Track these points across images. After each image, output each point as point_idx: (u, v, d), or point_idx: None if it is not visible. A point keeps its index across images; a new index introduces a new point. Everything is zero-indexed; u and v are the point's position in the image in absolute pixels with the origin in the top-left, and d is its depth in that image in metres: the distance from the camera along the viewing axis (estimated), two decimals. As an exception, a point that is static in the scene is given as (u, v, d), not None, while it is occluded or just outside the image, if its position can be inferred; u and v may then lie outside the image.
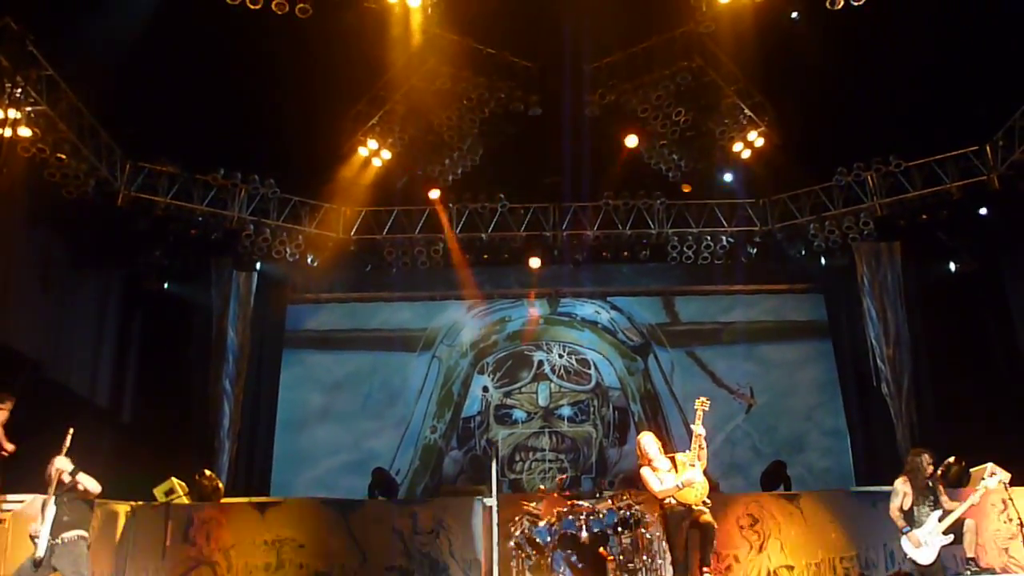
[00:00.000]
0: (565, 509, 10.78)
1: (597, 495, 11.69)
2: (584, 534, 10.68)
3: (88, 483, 7.34)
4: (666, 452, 8.76)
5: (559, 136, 14.09)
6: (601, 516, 10.95)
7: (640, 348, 15.48)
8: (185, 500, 10.82)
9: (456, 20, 12.17)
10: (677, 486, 8.43)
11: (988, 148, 12.77)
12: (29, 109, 10.26)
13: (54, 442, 8.05)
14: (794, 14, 11.23)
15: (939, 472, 10.01)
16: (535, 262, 14.67)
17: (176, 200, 13.18)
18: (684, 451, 8.55)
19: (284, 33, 11.13)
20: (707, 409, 8.55)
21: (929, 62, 11.31)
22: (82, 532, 7.30)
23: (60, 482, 7.19)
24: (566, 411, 15.05)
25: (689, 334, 15.47)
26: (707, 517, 8.52)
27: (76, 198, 11.62)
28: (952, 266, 14.07)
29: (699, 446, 8.52)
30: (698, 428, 8.57)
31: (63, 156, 11.12)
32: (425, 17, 11.52)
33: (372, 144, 13.72)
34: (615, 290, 15.67)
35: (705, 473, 8.51)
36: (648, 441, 8.81)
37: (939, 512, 8.18)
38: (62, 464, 7.25)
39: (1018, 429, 11.82)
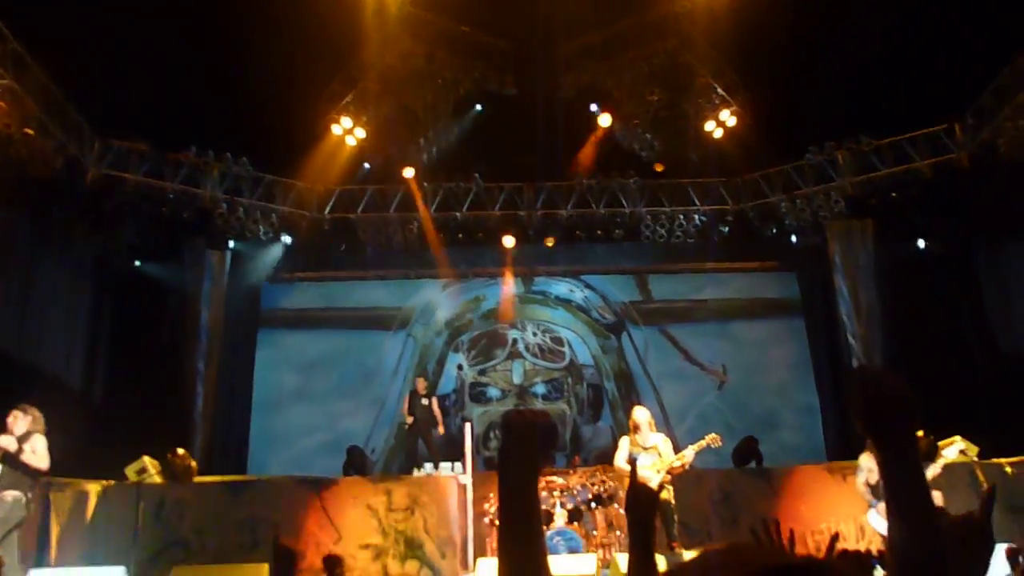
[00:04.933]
0: (541, 486, 10.75)
1: (571, 471, 11.70)
2: (558, 510, 10.67)
3: (34, 459, 7.59)
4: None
5: (534, 116, 14.05)
6: (575, 492, 10.95)
7: (614, 326, 15.47)
8: (157, 479, 10.66)
9: (431, -1, 12.07)
10: (624, 469, 8.54)
11: (958, 127, 12.83)
12: (-4, 84, 10.03)
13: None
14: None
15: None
16: (509, 241, 14.59)
17: (147, 178, 12.97)
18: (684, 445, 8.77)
19: (258, 9, 10.98)
20: (717, 447, 8.68)
21: (899, 41, 11.33)
22: (17, 493, 7.56)
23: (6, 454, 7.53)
24: (540, 389, 15.04)
25: (662, 312, 15.48)
26: (664, 495, 8.55)
27: (44, 176, 11.40)
28: (922, 244, 14.15)
29: (679, 463, 8.60)
30: (689, 455, 8.62)
31: (30, 132, 10.88)
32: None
33: (346, 122, 13.67)
34: (589, 269, 15.67)
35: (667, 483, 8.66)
36: (639, 413, 8.92)
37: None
38: (5, 442, 7.52)
39: (986, 404, 11.90)
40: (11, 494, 7.49)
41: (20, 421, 7.71)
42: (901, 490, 1.53)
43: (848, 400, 1.60)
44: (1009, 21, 10.97)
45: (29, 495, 7.66)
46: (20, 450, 7.52)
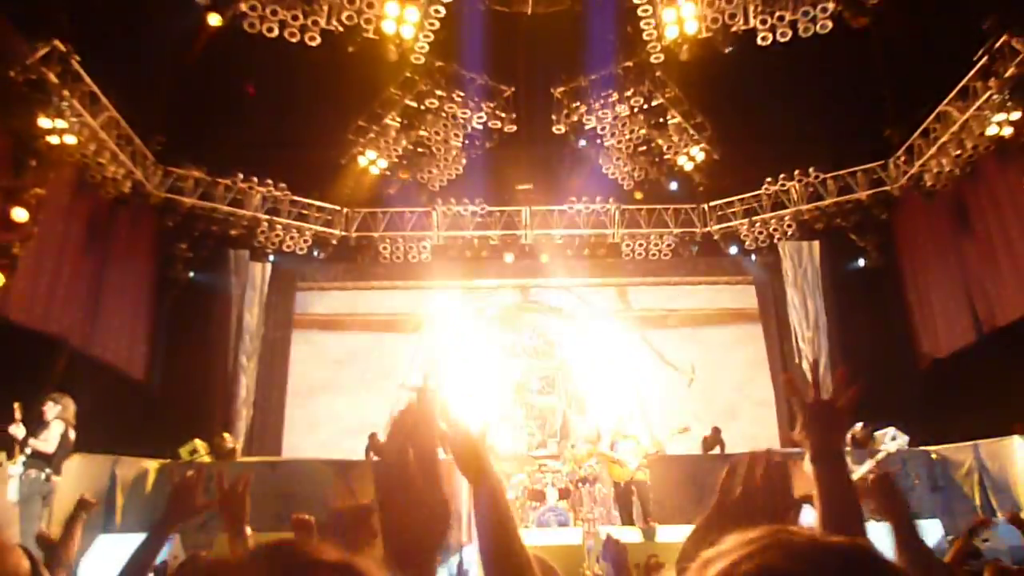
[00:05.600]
0: (535, 468, 10.86)
1: (561, 457, 11.81)
2: (550, 490, 10.79)
3: (41, 444, 7.58)
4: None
5: (531, 149, 14.17)
6: (564, 474, 11.05)
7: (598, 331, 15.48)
8: (207, 459, 10.78)
9: (444, 49, 12.22)
10: (608, 454, 8.66)
11: (892, 163, 12.93)
12: (74, 120, 10.15)
13: (92, 406, 8.09)
14: (728, 48, 11.28)
15: (848, 436, 10.17)
16: (509, 257, 14.72)
17: (201, 200, 13.12)
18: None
19: (296, 56, 11.11)
20: (686, 434, 8.78)
21: (842, 91, 11.46)
22: (35, 472, 7.57)
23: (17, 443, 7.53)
24: (535, 385, 15.03)
25: (640, 320, 15.50)
26: (640, 476, 8.66)
27: (114, 199, 11.53)
28: (861, 262, 14.25)
29: (655, 450, 8.75)
30: (664, 442, 8.77)
31: (103, 161, 11.01)
32: (417, 46, 11.50)
33: (371, 154, 13.70)
34: (577, 282, 15.69)
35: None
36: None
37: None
38: (14, 431, 7.49)
39: (915, 399, 12.00)
40: (32, 473, 7.51)
41: (51, 409, 7.72)
42: (828, 474, 1.67)
43: (803, 425, 1.71)
44: (933, 76, 11.17)
45: (47, 472, 7.62)
46: (28, 437, 7.52)
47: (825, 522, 1.63)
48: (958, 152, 11.41)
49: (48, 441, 7.62)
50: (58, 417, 7.73)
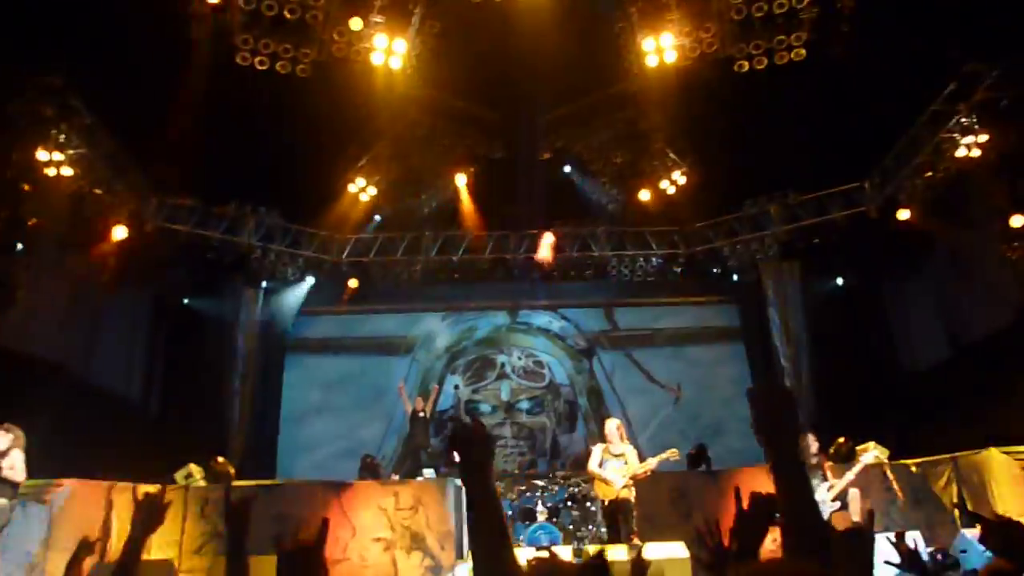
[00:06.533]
0: (525, 487, 10.90)
1: (550, 475, 11.84)
2: (540, 508, 10.81)
3: (11, 474, 7.31)
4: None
5: (518, 174, 14.27)
6: (554, 492, 11.07)
7: (586, 351, 15.55)
8: (202, 483, 10.73)
9: (432, 78, 12.31)
10: (595, 472, 8.70)
11: (867, 185, 13.08)
12: (71, 152, 10.21)
13: (90, 432, 8.06)
14: (708, 76, 11.47)
15: (831, 450, 10.24)
16: (498, 280, 14.83)
17: (196, 229, 13.16)
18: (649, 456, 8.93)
19: (288, 88, 11.20)
20: (674, 460, 8.82)
21: (819, 115, 11.60)
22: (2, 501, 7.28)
23: None
24: (524, 405, 15.08)
25: (627, 339, 15.56)
26: (624, 494, 8.69)
27: (111, 227, 11.56)
28: (840, 281, 14.38)
29: (643, 470, 8.77)
30: (652, 463, 8.80)
31: (100, 192, 11.06)
32: (406, 76, 11.62)
33: (361, 182, 13.76)
34: (565, 303, 15.73)
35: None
36: (610, 425, 9.08)
37: (827, 484, 8.35)
38: None
39: (894, 414, 12.09)
40: (2, 501, 7.23)
41: (2, 439, 7.38)
42: (786, 477, 1.72)
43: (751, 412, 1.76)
44: (905, 101, 11.37)
45: (12, 502, 7.37)
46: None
47: (786, 531, 1.69)
48: (930, 173, 11.66)
49: (16, 470, 7.38)
50: (12, 446, 7.38)
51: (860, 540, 1.95)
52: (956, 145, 10.93)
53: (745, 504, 1.99)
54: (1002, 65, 10.12)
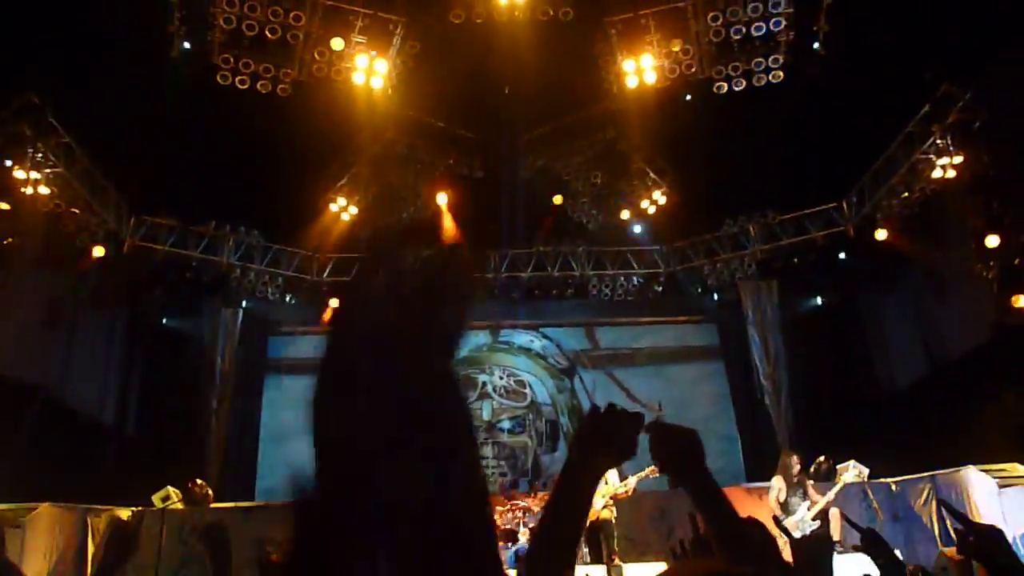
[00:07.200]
0: (506, 508, 10.78)
1: (532, 495, 11.72)
2: (521, 528, 10.68)
3: None
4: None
5: (498, 194, 14.28)
6: (536, 512, 10.94)
7: (567, 370, 15.49)
8: (179, 506, 10.56)
9: (412, 99, 12.33)
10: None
11: (844, 204, 13.19)
12: (48, 171, 10.10)
13: (65, 454, 7.89)
14: (688, 96, 11.57)
15: (812, 469, 10.25)
16: (479, 299, 14.72)
17: (174, 248, 13.01)
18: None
19: (268, 107, 11.16)
20: (654, 477, 8.78)
21: (796, 135, 11.71)
22: None
23: None
24: (506, 424, 14.97)
25: (607, 358, 15.52)
26: (604, 514, 8.63)
27: (88, 246, 11.42)
28: (819, 300, 14.46)
29: (623, 490, 8.71)
30: (632, 482, 8.76)
31: (77, 211, 10.93)
32: (386, 96, 11.62)
33: (341, 201, 13.72)
34: (546, 322, 15.68)
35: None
36: None
37: (808, 503, 8.37)
38: None
39: (873, 432, 12.14)
40: None
41: None
42: (705, 500, 1.74)
43: (651, 450, 1.77)
44: (881, 122, 11.51)
45: None
46: None
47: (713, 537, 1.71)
48: (906, 194, 11.77)
49: None
50: None
51: (820, 545, 1.97)
52: (932, 166, 11.06)
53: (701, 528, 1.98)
54: (975, 88, 10.29)
